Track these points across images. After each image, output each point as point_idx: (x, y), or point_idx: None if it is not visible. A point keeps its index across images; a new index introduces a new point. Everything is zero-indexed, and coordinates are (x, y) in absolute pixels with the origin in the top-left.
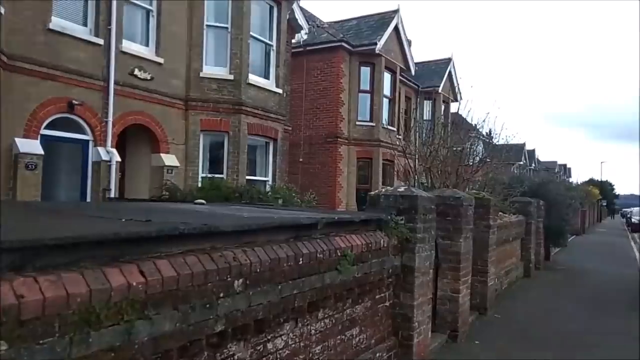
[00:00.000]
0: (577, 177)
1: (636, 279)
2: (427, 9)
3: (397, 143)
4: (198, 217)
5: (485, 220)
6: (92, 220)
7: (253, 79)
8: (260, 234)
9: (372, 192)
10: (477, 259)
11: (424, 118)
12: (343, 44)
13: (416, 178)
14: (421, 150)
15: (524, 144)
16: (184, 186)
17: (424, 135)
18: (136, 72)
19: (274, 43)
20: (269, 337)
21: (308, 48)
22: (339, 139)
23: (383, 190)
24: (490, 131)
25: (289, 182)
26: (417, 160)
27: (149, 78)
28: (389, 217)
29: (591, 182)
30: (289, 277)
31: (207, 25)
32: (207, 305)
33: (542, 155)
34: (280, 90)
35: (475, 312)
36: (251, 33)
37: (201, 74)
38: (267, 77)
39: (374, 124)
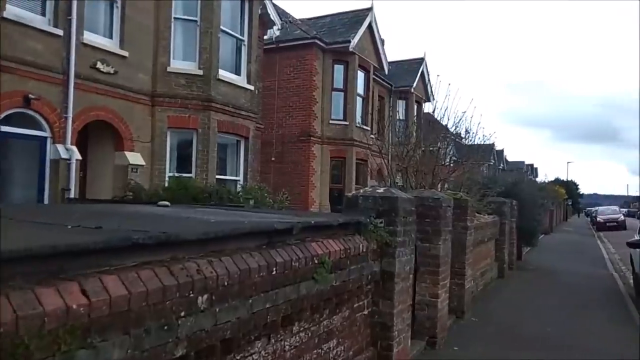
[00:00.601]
0: (544, 176)
1: (607, 278)
2: (399, 9)
3: (371, 142)
4: (159, 222)
5: (462, 222)
6: (35, 227)
7: (223, 74)
8: (229, 241)
9: (350, 193)
10: (455, 261)
11: (398, 118)
12: (316, 41)
13: (391, 178)
14: (397, 150)
15: (493, 145)
16: (149, 186)
17: (400, 134)
18: (98, 65)
19: (245, 38)
20: (238, 358)
21: (281, 45)
22: (312, 138)
23: (361, 191)
24: (466, 130)
25: (261, 181)
26: (390, 160)
27: (112, 72)
28: (368, 220)
29: (557, 181)
30: (261, 289)
31: (175, 18)
32: (166, 327)
33: (510, 156)
34: (251, 87)
35: (452, 315)
36: (221, 27)
37: (169, 69)
38: (238, 73)
39: (347, 123)
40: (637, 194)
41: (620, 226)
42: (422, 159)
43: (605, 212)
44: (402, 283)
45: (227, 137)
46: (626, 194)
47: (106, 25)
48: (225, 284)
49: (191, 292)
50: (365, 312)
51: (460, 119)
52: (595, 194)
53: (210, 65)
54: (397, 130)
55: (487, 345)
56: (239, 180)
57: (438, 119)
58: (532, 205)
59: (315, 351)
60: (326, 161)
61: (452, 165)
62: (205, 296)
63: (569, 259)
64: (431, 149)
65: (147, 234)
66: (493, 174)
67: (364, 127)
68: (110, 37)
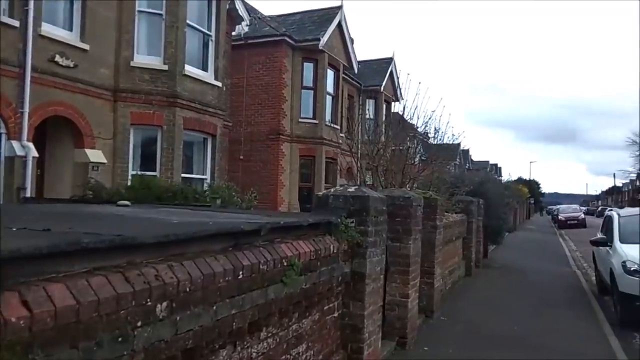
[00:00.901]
0: (508, 176)
1: (570, 275)
2: (368, 9)
3: (341, 141)
4: (117, 223)
5: (432, 221)
6: None
7: (190, 70)
8: (192, 243)
9: (320, 193)
10: (424, 260)
11: (368, 117)
12: (286, 38)
13: (361, 177)
14: (367, 149)
15: (459, 144)
16: (111, 184)
17: (369, 133)
18: (57, 58)
19: (212, 33)
20: None
21: (249, 41)
22: (281, 136)
23: (332, 190)
24: (436, 129)
25: (229, 180)
26: (359, 158)
27: (72, 65)
28: (339, 220)
29: (520, 181)
30: (227, 294)
31: (139, 11)
32: (120, 339)
33: (475, 155)
34: (219, 83)
35: (422, 315)
36: (188, 21)
37: (132, 63)
38: (205, 69)
39: (317, 122)
40: (596, 193)
41: (580, 224)
42: (392, 157)
43: (567, 211)
44: (373, 284)
45: (194, 135)
46: (585, 193)
47: (66, 17)
48: (187, 290)
49: (149, 299)
50: (336, 314)
51: (430, 118)
52: (556, 193)
53: (175, 60)
54: (367, 129)
55: (456, 345)
56: (205, 179)
57: (408, 118)
58: (498, 204)
59: (283, 357)
60: (295, 160)
61: (421, 164)
62: (165, 304)
63: (533, 256)
64: (401, 148)
65: (99, 237)
66: (460, 173)
67: (334, 125)
68: (70, 29)
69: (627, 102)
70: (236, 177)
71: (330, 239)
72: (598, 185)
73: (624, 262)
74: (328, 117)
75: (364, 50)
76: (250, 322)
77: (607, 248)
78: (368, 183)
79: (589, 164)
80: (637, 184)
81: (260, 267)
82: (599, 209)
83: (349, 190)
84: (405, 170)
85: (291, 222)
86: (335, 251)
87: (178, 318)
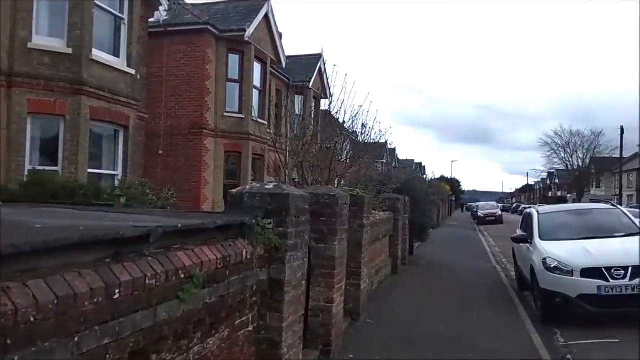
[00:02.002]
0: (432, 174)
1: (491, 270)
2: (296, 6)
3: (268, 137)
4: None
5: (359, 219)
6: None
7: (98, 55)
8: (52, 255)
9: (235, 190)
10: (351, 260)
11: (296, 113)
12: (209, 27)
13: (287, 173)
14: (293, 144)
15: (385, 143)
16: (3, 180)
17: (296, 128)
18: None
19: (125, 16)
20: None
21: (169, 29)
22: (204, 131)
23: (248, 187)
24: (363, 125)
25: (147, 177)
26: (288, 154)
27: None
28: (254, 221)
29: (442, 179)
30: (96, 320)
31: None
32: None
33: (401, 154)
34: (132, 71)
35: (348, 318)
36: (96, 1)
37: (30, 45)
38: (117, 54)
39: (243, 116)
40: (511, 191)
41: (497, 220)
42: (318, 153)
43: (485, 208)
44: (294, 291)
45: (103, 126)
46: (501, 191)
47: None
48: (32, 319)
49: None
50: (250, 328)
51: (357, 113)
52: (474, 191)
53: (81, 43)
54: (294, 125)
55: (383, 349)
56: (117, 175)
57: (334, 112)
58: (423, 202)
59: None
60: (220, 156)
61: (348, 161)
62: None
63: (456, 252)
64: (328, 146)
65: None
66: (387, 171)
67: (261, 120)
68: None
69: (535, 107)
70: (155, 174)
71: (244, 243)
72: (513, 183)
73: (544, 259)
74: (255, 111)
75: (292, 47)
76: (133, 352)
77: (528, 245)
78: (296, 180)
79: (504, 164)
80: (548, 182)
81: (147, 282)
82: (514, 205)
83: (267, 187)
84: (332, 167)
85: (193, 225)
86: (249, 257)
87: (16, 359)
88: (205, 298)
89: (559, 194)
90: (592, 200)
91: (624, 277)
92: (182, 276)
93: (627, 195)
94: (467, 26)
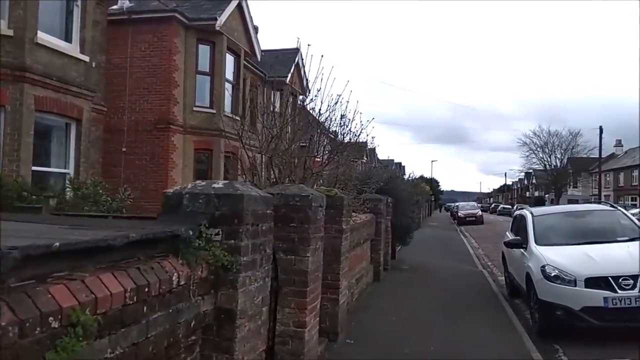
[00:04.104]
0: (411, 174)
1: (477, 275)
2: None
3: (242, 134)
4: None
5: (337, 224)
6: None
7: (45, 38)
8: None
9: (171, 190)
10: (327, 272)
11: (272, 110)
12: (176, 15)
13: (255, 172)
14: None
15: (365, 142)
16: None
17: (270, 124)
18: None
19: None
20: None
21: (134, 16)
22: (171, 126)
23: (189, 185)
24: (342, 116)
25: (107, 176)
26: (263, 153)
27: None
28: (194, 232)
29: (422, 179)
30: None
31: None
32: None
33: (381, 154)
34: (86, 58)
35: (324, 339)
36: None
37: None
38: (68, 39)
39: (214, 111)
40: (489, 191)
41: (478, 221)
42: (288, 148)
43: (465, 208)
44: (250, 323)
45: (52, 119)
46: (479, 191)
47: None
48: None
49: None
50: None
51: (337, 102)
52: (452, 191)
53: (24, 24)
54: (271, 120)
55: None
56: (68, 174)
57: (310, 100)
58: (407, 202)
59: None
60: (189, 153)
61: (326, 157)
62: None
63: (440, 255)
64: (303, 144)
65: None
66: (368, 169)
67: (234, 116)
68: None
69: (506, 107)
70: (117, 172)
71: (176, 263)
72: (489, 183)
73: (543, 266)
74: (227, 106)
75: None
76: None
77: (522, 250)
78: (274, 180)
79: (479, 164)
80: (525, 182)
81: None
82: (492, 205)
83: (215, 186)
84: (308, 164)
85: (88, 243)
86: (183, 282)
87: None
88: (103, 353)
89: (536, 193)
90: (569, 201)
91: (633, 287)
92: (56, 325)
93: (604, 195)
94: (438, 25)
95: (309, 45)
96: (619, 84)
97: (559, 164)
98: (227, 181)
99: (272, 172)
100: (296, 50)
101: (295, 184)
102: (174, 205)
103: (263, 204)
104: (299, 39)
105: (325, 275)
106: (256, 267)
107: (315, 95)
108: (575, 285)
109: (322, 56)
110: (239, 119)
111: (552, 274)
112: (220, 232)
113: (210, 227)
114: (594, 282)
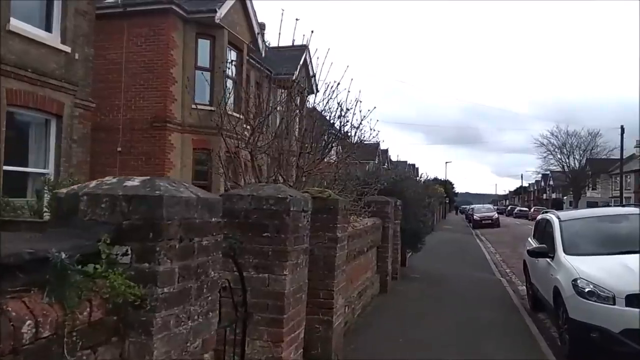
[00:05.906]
0: (425, 175)
1: (496, 285)
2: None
3: (246, 133)
4: None
5: (331, 231)
6: None
7: (20, 26)
8: None
9: (64, 190)
10: (319, 289)
11: (278, 108)
12: (174, 7)
13: (254, 172)
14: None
15: (378, 144)
16: None
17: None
18: None
19: None
20: None
21: (129, 9)
22: (169, 125)
23: (93, 184)
24: (338, 104)
25: (101, 177)
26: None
27: None
28: (75, 254)
29: (436, 181)
30: None
31: None
32: None
33: (393, 156)
34: (68, 49)
35: None
36: None
37: None
38: (48, 29)
39: (214, 109)
40: (504, 193)
41: (495, 224)
42: (279, 141)
43: (481, 210)
44: None
45: (29, 114)
46: (494, 193)
47: None
48: None
49: None
50: None
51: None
52: (467, 193)
53: None
54: (277, 120)
55: None
56: (47, 174)
57: (317, 91)
58: (417, 205)
59: None
60: (188, 153)
61: (321, 153)
62: None
63: (454, 261)
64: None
65: None
66: (375, 169)
67: (236, 114)
68: None
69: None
70: (112, 174)
71: (38, 302)
72: (503, 185)
73: (575, 280)
74: (229, 104)
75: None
76: None
77: (548, 260)
78: (280, 181)
79: (492, 165)
80: (542, 184)
81: None
82: (509, 208)
83: (127, 184)
84: (301, 162)
85: None
86: (46, 334)
87: None
88: None
89: (553, 196)
90: (589, 204)
91: None
92: None
93: (625, 197)
94: (450, 27)
95: (311, 34)
96: (636, 84)
97: (577, 165)
98: (146, 177)
99: (255, 171)
100: (303, 48)
101: (286, 183)
102: (68, 211)
103: (203, 209)
104: (312, 31)
105: (317, 293)
106: (189, 300)
107: (326, 90)
108: (614, 304)
109: (328, 49)
110: (241, 117)
111: (586, 290)
112: (129, 252)
113: (115, 244)
114: (637, 299)
